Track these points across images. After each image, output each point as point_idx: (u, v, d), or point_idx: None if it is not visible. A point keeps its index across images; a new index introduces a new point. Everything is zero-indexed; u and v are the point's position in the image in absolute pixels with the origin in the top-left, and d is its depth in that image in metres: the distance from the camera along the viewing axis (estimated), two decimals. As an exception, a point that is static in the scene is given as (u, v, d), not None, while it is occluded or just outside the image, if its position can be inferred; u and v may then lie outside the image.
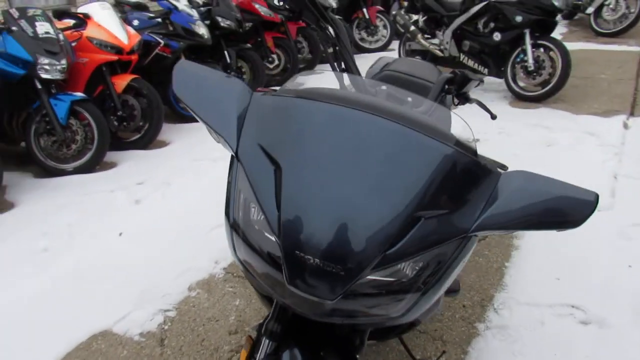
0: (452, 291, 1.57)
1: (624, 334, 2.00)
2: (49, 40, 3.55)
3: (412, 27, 5.77)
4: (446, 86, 1.40)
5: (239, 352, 1.98)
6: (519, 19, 4.68)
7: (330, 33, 1.26)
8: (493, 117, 1.70)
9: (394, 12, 6.28)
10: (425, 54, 5.96)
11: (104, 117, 3.82)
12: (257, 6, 5.71)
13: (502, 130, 4.18)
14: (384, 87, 1.20)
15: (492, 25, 5.05)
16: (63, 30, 3.85)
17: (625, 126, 4.19)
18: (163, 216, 3.08)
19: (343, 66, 1.28)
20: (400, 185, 0.95)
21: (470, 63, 5.35)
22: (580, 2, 8.25)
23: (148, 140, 4.30)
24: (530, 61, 4.72)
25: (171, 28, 4.66)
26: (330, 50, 1.35)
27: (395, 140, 0.99)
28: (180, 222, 2.94)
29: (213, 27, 5.04)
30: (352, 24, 7.63)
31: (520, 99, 4.98)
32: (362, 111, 1.02)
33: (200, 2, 5.27)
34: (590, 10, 7.95)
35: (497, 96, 5.24)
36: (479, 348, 1.96)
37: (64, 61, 3.56)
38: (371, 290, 0.96)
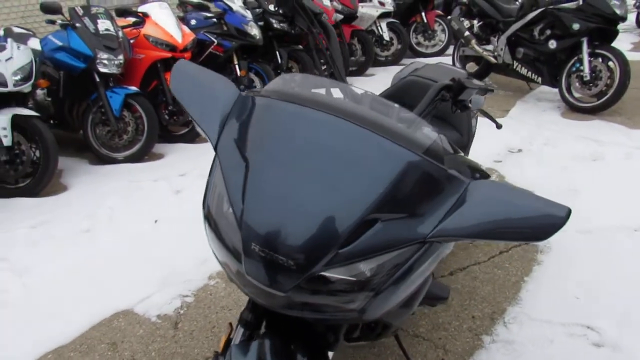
0: (440, 298, 1.57)
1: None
2: (108, 37, 3.83)
3: (467, 33, 5.67)
4: (442, 93, 1.40)
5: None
6: (576, 26, 4.49)
7: (319, 39, 1.30)
8: (498, 126, 1.67)
9: (449, 17, 6.19)
10: (479, 60, 5.85)
11: (155, 111, 4.06)
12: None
13: (548, 142, 4.03)
14: (369, 95, 1.23)
15: (548, 32, 4.87)
16: (123, 27, 4.13)
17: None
18: (198, 207, 3.22)
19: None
20: (358, 187, 0.99)
21: (524, 71, 5.18)
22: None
23: (195, 134, 4.51)
24: (587, 71, 4.51)
25: (225, 28, 4.85)
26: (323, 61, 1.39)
27: (359, 144, 1.03)
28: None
29: (267, 28, 5.19)
30: (409, 28, 7.57)
31: (574, 110, 4.76)
32: (331, 115, 1.07)
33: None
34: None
35: (550, 106, 5.05)
36: (480, 360, 1.94)
37: (121, 57, 3.83)
38: (325, 286, 1.00)
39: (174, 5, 6.04)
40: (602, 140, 4.03)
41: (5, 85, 3.22)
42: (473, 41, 5.60)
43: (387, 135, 1.04)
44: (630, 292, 2.28)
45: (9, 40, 3.47)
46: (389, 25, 7.08)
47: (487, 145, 3.91)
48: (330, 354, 1.35)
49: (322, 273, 0.97)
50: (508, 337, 2.05)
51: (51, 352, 2.05)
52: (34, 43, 4.08)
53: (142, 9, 4.41)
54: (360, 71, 6.80)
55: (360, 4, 6.78)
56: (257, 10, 5.31)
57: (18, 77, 3.30)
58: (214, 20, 4.87)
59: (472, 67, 6.07)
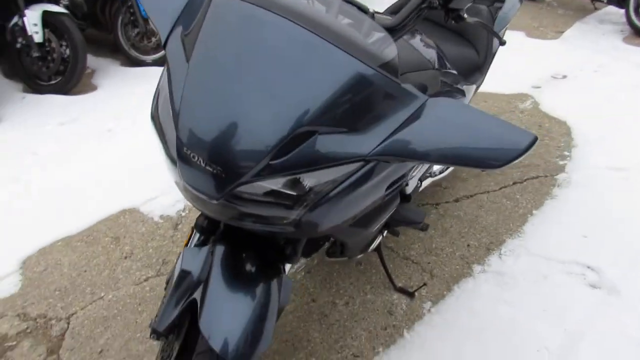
0: (413, 222, 1.52)
1: (631, 307, 1.81)
2: None
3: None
4: None
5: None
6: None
7: None
8: (502, 42, 1.50)
9: None
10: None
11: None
12: None
13: (600, 69, 3.67)
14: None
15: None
16: None
17: None
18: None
19: None
20: (297, 96, 0.92)
21: (590, -12, 4.65)
22: None
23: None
24: (661, -10, 3.99)
25: None
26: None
27: (306, 51, 0.95)
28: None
29: None
30: None
31: (639, 35, 4.28)
32: (284, 17, 0.98)
33: None
34: None
35: (612, 29, 4.55)
36: (465, 288, 1.91)
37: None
38: (258, 197, 0.97)
39: None
40: (663, 70, 3.64)
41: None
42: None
43: (340, 43, 0.95)
44: (645, 235, 2.14)
45: None
46: None
47: (530, 70, 3.62)
48: (288, 266, 1.35)
49: (259, 183, 0.94)
50: (500, 268, 1.99)
51: (60, 239, 2.19)
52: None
53: None
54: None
55: None
56: None
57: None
58: None
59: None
